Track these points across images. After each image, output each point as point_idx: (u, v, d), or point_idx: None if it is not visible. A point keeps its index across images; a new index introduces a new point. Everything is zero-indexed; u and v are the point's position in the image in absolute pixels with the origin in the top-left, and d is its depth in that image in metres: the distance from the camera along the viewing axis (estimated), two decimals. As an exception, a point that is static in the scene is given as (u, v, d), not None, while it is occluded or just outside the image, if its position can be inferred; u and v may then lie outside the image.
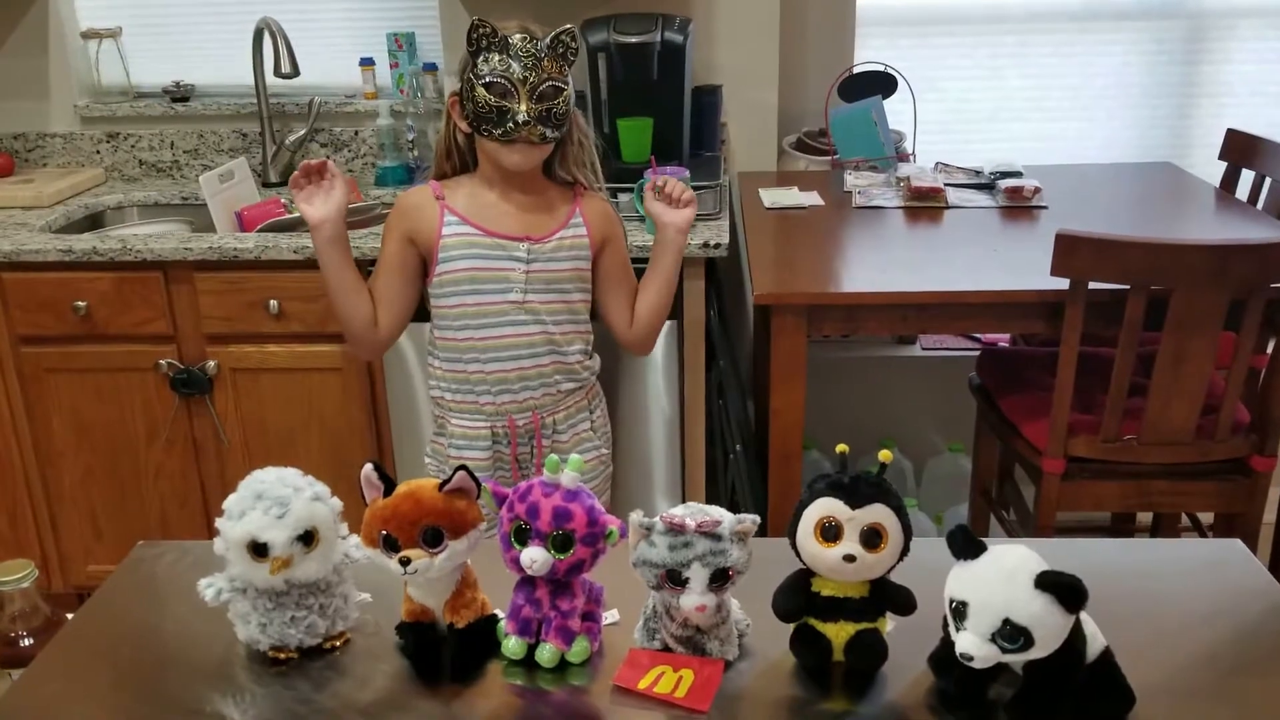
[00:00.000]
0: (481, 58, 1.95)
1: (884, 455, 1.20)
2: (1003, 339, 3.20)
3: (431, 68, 3.14)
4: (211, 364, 2.71)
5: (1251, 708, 1.18)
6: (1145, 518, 3.02)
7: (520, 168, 2.02)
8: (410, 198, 2.12)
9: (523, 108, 1.94)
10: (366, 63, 3.17)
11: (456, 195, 2.09)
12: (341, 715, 1.19)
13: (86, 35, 3.26)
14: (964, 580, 1.09)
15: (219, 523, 1.24)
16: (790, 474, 2.42)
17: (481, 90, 1.95)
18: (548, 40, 1.96)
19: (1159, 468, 2.34)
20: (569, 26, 1.98)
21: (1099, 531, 3.10)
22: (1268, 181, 2.84)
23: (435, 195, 2.09)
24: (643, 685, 1.19)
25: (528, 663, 1.25)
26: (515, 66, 1.94)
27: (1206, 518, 2.76)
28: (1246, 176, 2.93)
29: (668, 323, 2.55)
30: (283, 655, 1.27)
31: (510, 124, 1.95)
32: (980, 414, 2.77)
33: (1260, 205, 2.83)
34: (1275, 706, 1.18)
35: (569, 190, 2.13)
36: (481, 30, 1.94)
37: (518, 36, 1.94)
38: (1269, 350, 2.36)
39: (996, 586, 1.06)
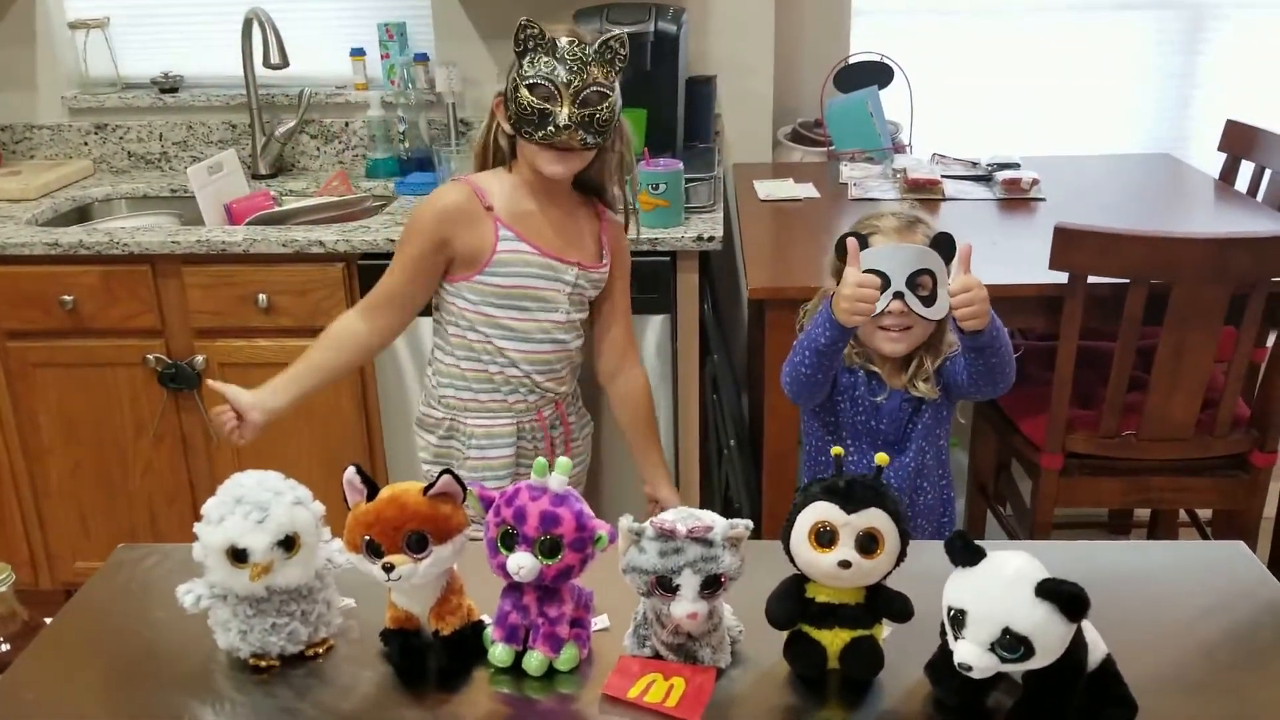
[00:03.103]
0: (527, 59, 1.92)
1: (880, 459, 1.17)
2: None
3: (423, 58, 3.10)
4: (200, 358, 2.67)
5: (1252, 706, 1.16)
6: (1143, 513, 2.99)
7: (560, 176, 1.99)
8: (455, 202, 2.01)
9: (564, 111, 1.90)
10: (357, 53, 3.13)
11: (498, 198, 2.02)
12: (325, 724, 1.17)
13: (74, 25, 3.22)
14: (963, 587, 1.06)
15: (198, 528, 1.21)
16: (785, 470, 2.39)
17: (525, 91, 1.91)
18: (595, 45, 1.93)
19: (1158, 463, 2.31)
20: (619, 33, 1.96)
21: (1096, 527, 3.08)
22: (1268, 173, 2.81)
23: (484, 205, 2.00)
24: (633, 694, 1.16)
25: (515, 670, 1.22)
26: (560, 70, 1.90)
27: (1205, 513, 2.74)
28: (1246, 168, 2.90)
29: (661, 317, 2.53)
30: (264, 663, 1.24)
31: (550, 127, 1.91)
32: (978, 410, 2.74)
33: (1260, 197, 2.80)
34: (1275, 704, 1.16)
35: (592, 210, 2.12)
36: (529, 31, 1.91)
37: (565, 40, 1.91)
38: (1269, 345, 2.33)
39: (996, 595, 1.03)
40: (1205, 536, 2.70)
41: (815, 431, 2.02)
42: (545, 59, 1.91)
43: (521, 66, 1.92)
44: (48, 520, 2.88)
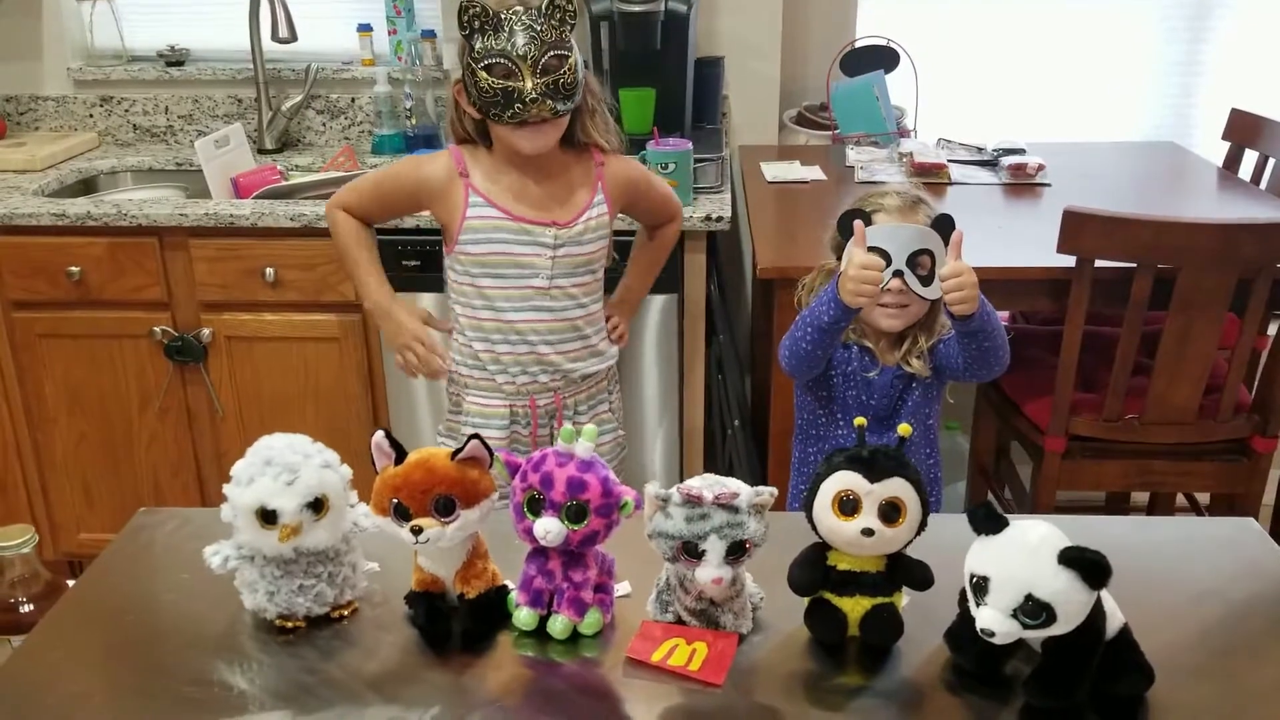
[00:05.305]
0: (477, 39, 1.87)
1: (903, 430, 1.19)
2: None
3: (430, 34, 3.10)
4: (206, 332, 2.68)
5: (1263, 683, 1.17)
6: (1140, 497, 3.02)
7: (537, 151, 1.95)
8: (433, 170, 2.03)
9: (529, 85, 1.85)
10: (364, 29, 3.13)
11: (477, 170, 2.02)
12: (349, 685, 1.18)
13: (80, -3, 3.21)
14: (986, 555, 1.07)
15: (227, 489, 1.22)
16: (789, 450, 2.40)
17: (483, 74, 1.86)
18: (543, 7, 1.87)
19: (1160, 447, 2.33)
20: None
21: (1093, 511, 3.10)
22: (1271, 162, 2.83)
23: (459, 171, 2.01)
24: (656, 658, 1.18)
25: (539, 634, 1.23)
26: (514, 42, 1.85)
27: (1203, 498, 2.76)
28: (1249, 157, 2.92)
29: (667, 296, 2.54)
30: (290, 624, 1.25)
31: (519, 104, 1.86)
32: (980, 392, 2.76)
33: (1263, 185, 2.82)
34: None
35: (589, 160, 2.06)
36: (472, 11, 1.85)
37: (511, 10, 1.86)
38: (1271, 332, 2.35)
39: (1019, 562, 1.04)
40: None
41: (808, 405, 2.04)
42: (495, 35, 1.86)
43: (473, 49, 1.87)
44: (52, 491, 2.89)
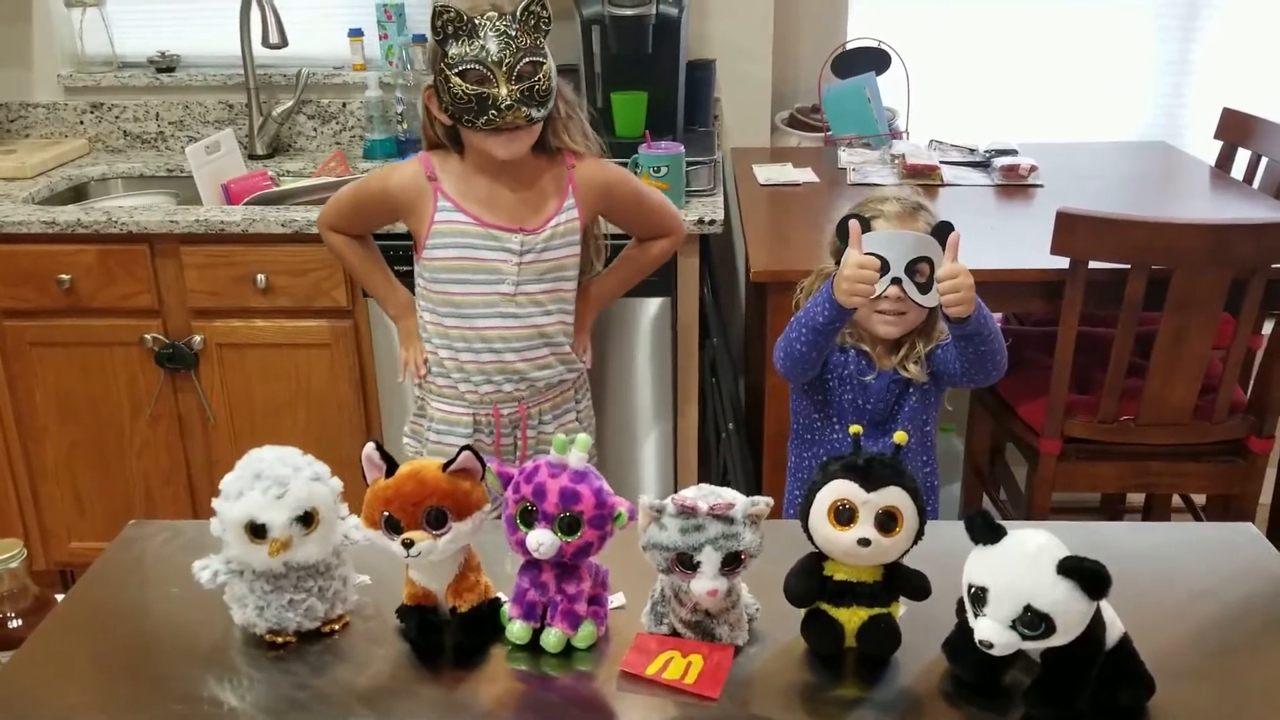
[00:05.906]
0: (450, 44, 1.85)
1: (899, 438, 1.17)
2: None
3: (421, 39, 3.08)
4: (197, 339, 2.66)
5: (1261, 684, 1.17)
6: (1136, 499, 3.01)
7: (512, 156, 1.94)
8: (402, 179, 2.03)
9: (503, 91, 1.84)
10: (355, 34, 3.11)
11: (448, 175, 2.01)
12: (340, 701, 1.17)
13: (70, 3, 3.19)
14: (984, 565, 1.06)
15: (216, 503, 1.20)
16: (784, 454, 2.39)
17: (457, 80, 1.85)
18: (518, 13, 1.86)
19: (1156, 448, 2.33)
20: None
21: (1089, 512, 3.09)
22: (1264, 161, 2.82)
23: (428, 175, 2.01)
24: (651, 671, 1.17)
25: (532, 647, 1.22)
26: (489, 48, 1.84)
27: (1199, 499, 2.76)
28: (1242, 156, 2.91)
29: (660, 300, 2.53)
30: (280, 639, 1.24)
31: (493, 111, 1.85)
32: (975, 394, 2.75)
33: (1256, 185, 2.82)
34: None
35: (561, 165, 2.05)
36: (446, 16, 1.84)
37: (485, 17, 1.85)
38: (1265, 331, 2.35)
39: (1018, 572, 1.03)
40: (1199, 521, 2.71)
41: (804, 409, 2.03)
42: (469, 40, 1.84)
43: (447, 54, 1.86)
44: (43, 500, 2.87)
